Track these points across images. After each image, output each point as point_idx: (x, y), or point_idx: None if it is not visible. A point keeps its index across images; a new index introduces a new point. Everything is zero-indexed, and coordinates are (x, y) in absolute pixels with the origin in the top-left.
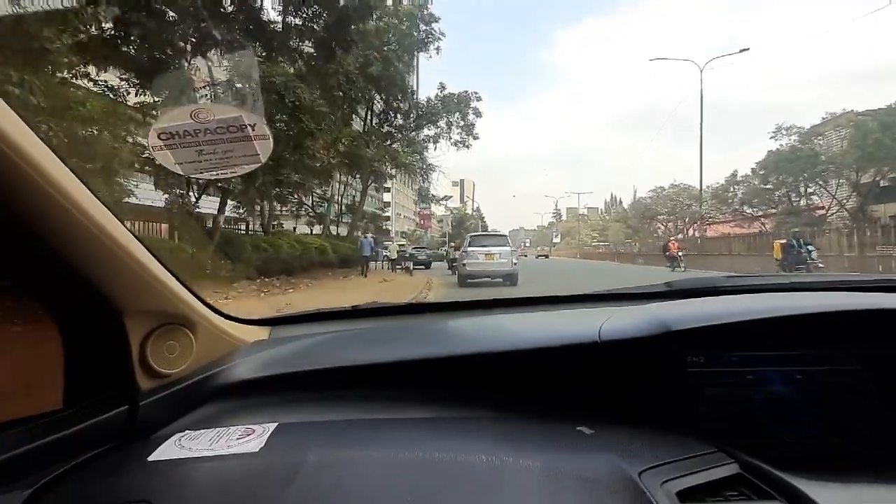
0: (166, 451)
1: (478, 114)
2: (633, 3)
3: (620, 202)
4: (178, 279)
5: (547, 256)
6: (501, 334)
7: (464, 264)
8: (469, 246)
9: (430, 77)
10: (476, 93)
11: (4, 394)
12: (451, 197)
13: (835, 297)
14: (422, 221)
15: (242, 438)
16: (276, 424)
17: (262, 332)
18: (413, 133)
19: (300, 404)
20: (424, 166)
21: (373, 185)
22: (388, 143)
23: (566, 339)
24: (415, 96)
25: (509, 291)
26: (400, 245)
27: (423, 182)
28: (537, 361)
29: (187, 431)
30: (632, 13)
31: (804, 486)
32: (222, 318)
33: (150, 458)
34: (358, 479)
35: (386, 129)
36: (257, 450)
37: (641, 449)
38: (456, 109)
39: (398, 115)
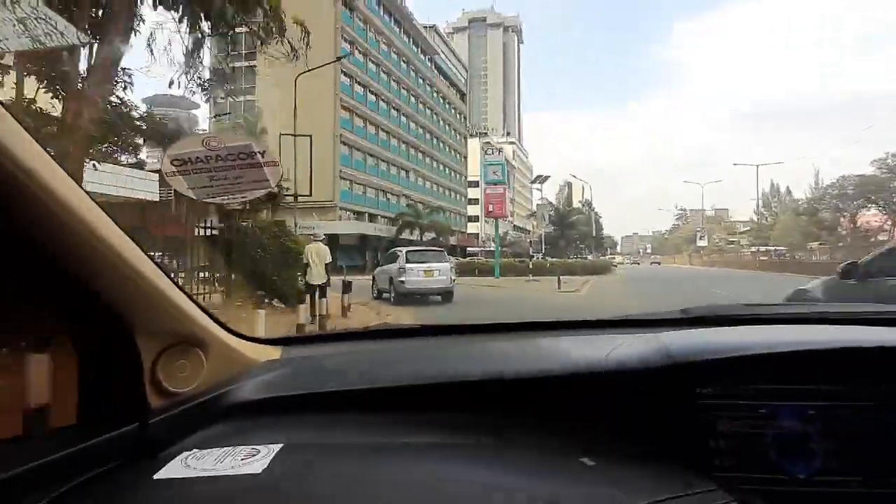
0: (172, 469)
1: None
2: None
3: (789, 192)
4: (190, 298)
5: (659, 264)
6: (509, 360)
7: (402, 281)
8: (407, 262)
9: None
10: None
11: (18, 409)
12: (547, 178)
13: (854, 332)
14: (491, 207)
15: (247, 459)
16: (281, 445)
17: (273, 352)
18: None
19: (308, 425)
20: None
21: None
22: None
23: (572, 367)
24: None
25: (521, 315)
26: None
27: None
28: (543, 389)
29: (195, 450)
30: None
31: None
32: (234, 337)
33: (156, 477)
34: (359, 503)
35: None
36: (260, 471)
37: (641, 483)
38: None
39: None
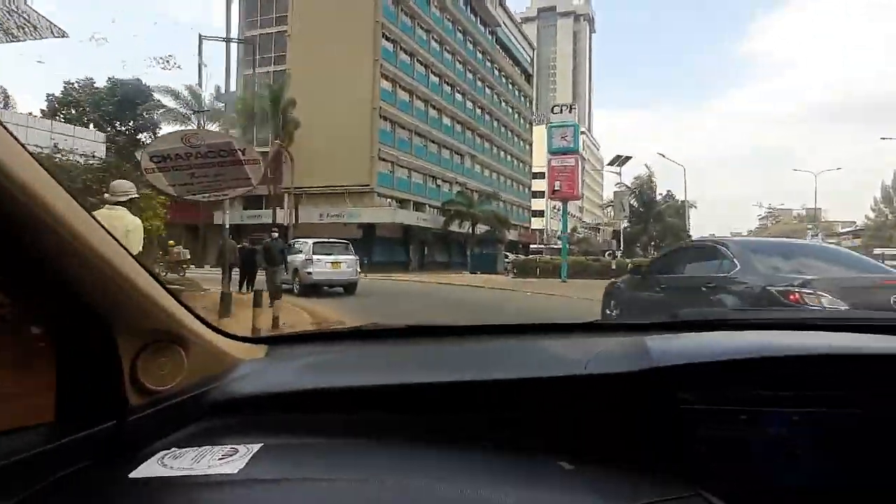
0: (148, 468)
1: None
2: None
3: None
4: (171, 295)
5: None
6: (492, 363)
7: (308, 273)
8: (314, 253)
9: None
10: None
11: None
12: (629, 158)
13: (840, 338)
14: (558, 184)
15: (225, 458)
16: (260, 445)
17: (258, 351)
18: None
19: (289, 425)
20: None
21: None
22: None
23: (555, 369)
24: None
25: (506, 318)
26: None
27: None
28: (525, 391)
29: (173, 449)
30: None
31: None
32: (217, 335)
33: (132, 475)
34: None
35: None
36: (236, 470)
37: (620, 488)
38: None
39: None
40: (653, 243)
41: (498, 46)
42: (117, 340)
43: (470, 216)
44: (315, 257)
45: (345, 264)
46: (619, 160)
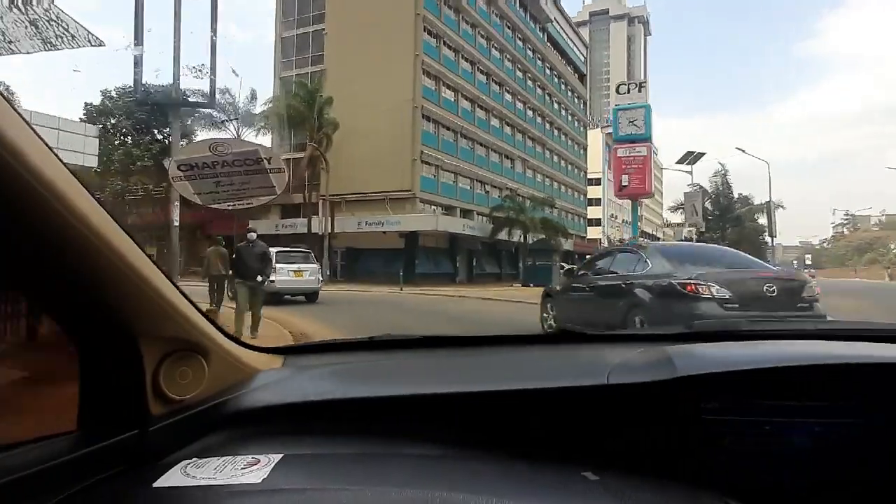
0: (171, 478)
1: None
2: None
3: None
4: (193, 305)
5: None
6: (513, 372)
7: (272, 281)
8: (276, 262)
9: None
10: None
11: (18, 413)
12: (702, 155)
13: (863, 348)
14: (625, 179)
15: (247, 468)
16: (281, 455)
17: (276, 361)
18: None
19: (309, 435)
20: None
21: None
22: None
23: (575, 379)
24: None
25: (527, 328)
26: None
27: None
28: (547, 401)
29: (194, 459)
30: None
31: None
32: (236, 346)
33: (155, 485)
34: None
35: None
36: (259, 480)
37: (645, 498)
38: None
39: None
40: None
41: (549, 44)
42: (141, 349)
43: (521, 224)
44: (278, 266)
45: (307, 273)
46: (691, 157)
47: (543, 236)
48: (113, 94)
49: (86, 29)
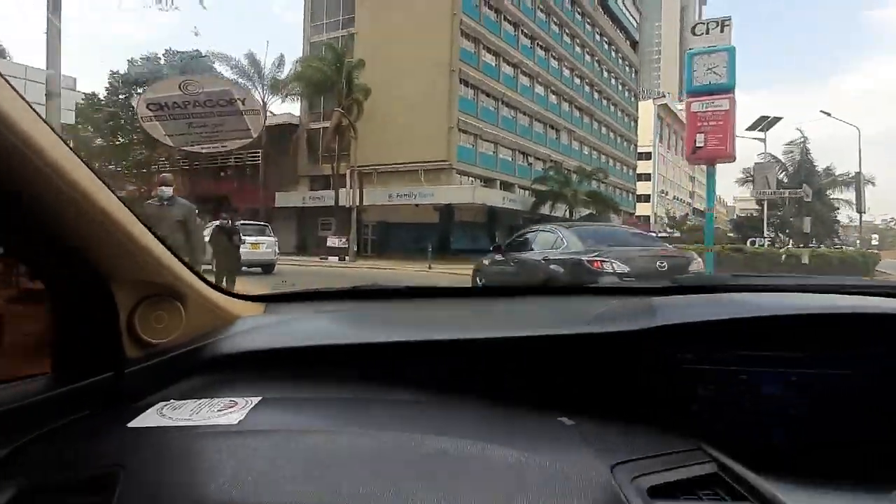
0: (147, 418)
1: None
2: None
3: None
4: (170, 250)
5: None
6: (494, 321)
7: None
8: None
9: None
10: None
11: None
12: (778, 120)
13: (836, 300)
14: (701, 138)
15: (224, 410)
16: (259, 398)
17: (256, 309)
18: None
19: (288, 381)
20: None
21: None
22: None
23: (558, 327)
24: None
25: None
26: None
27: None
28: (527, 349)
29: (171, 401)
30: None
31: (780, 491)
32: (215, 292)
33: (130, 425)
34: (335, 455)
35: None
36: (236, 421)
37: (619, 442)
38: None
39: None
40: (809, 229)
41: (600, 7)
42: (115, 293)
43: (566, 198)
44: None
45: (264, 245)
46: (765, 122)
47: (591, 211)
48: (137, 62)
49: None
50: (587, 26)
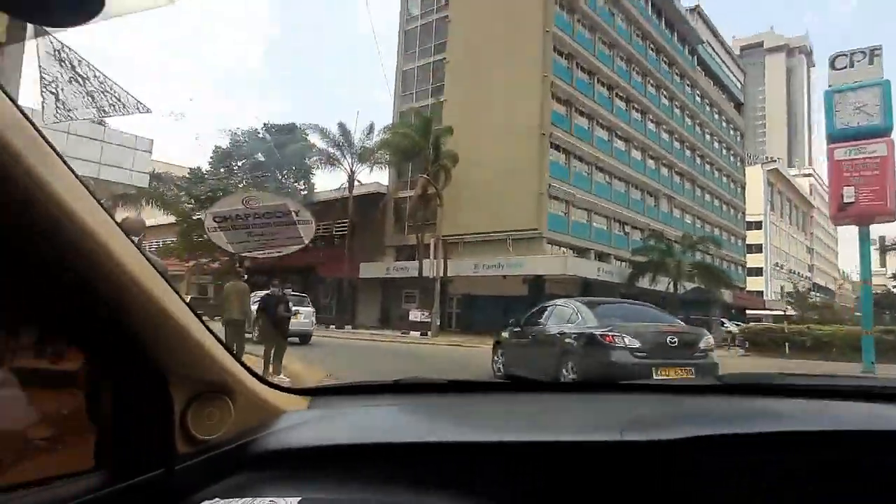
0: None
1: None
2: None
3: None
4: (223, 345)
5: None
6: (530, 421)
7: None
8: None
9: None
10: None
11: (45, 449)
12: None
13: (881, 410)
14: (849, 192)
15: None
16: (298, 499)
17: (301, 402)
18: None
19: (328, 479)
20: None
21: None
22: None
23: (590, 433)
24: None
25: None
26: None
27: None
28: (559, 454)
29: (217, 499)
30: None
31: None
32: (263, 386)
33: None
34: None
35: None
36: None
37: None
38: None
39: None
40: None
41: (700, 68)
42: (170, 389)
43: (667, 268)
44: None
45: (302, 315)
46: None
47: (698, 285)
48: (239, 136)
49: (134, 98)
50: (686, 87)
